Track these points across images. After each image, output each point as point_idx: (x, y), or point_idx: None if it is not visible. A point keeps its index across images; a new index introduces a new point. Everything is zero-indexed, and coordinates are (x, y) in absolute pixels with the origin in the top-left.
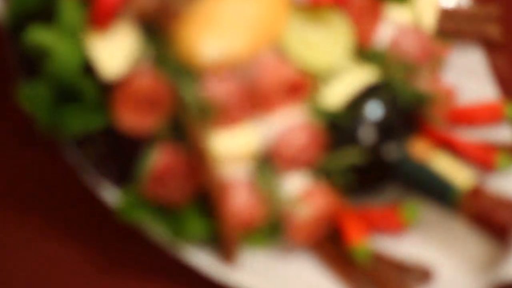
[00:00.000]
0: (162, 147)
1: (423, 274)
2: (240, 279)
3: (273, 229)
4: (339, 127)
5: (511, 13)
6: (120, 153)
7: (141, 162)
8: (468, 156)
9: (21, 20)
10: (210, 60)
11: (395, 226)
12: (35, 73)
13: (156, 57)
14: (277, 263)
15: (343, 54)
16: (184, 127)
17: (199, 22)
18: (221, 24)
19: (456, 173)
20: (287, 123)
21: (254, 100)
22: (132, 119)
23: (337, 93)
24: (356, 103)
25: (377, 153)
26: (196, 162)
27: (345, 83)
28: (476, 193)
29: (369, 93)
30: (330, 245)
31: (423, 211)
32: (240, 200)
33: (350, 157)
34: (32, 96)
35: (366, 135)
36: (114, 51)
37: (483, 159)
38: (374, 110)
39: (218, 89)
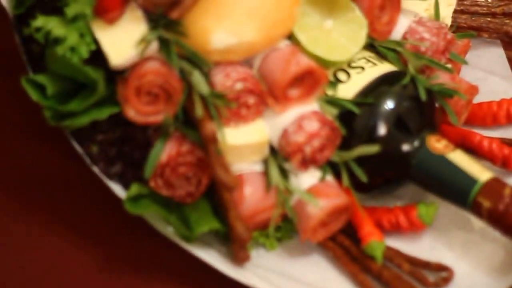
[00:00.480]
0: (172, 138)
1: (443, 275)
2: (249, 276)
3: (285, 225)
4: (354, 118)
5: None
6: (128, 144)
7: (150, 153)
8: (487, 154)
9: (27, 8)
10: (222, 48)
11: (411, 226)
12: (42, 63)
13: (166, 45)
14: (287, 262)
15: (360, 45)
16: (194, 117)
17: (211, 10)
18: (233, 12)
19: (475, 170)
20: (301, 115)
21: (268, 91)
22: (141, 108)
23: (352, 84)
24: (372, 94)
25: (392, 144)
26: (207, 154)
27: (361, 74)
28: (495, 191)
29: (385, 83)
30: (344, 242)
31: (440, 211)
32: (252, 194)
33: (365, 149)
34: (39, 86)
35: (382, 125)
36: (123, 39)
37: (503, 157)
38: (390, 101)
39: (230, 79)
